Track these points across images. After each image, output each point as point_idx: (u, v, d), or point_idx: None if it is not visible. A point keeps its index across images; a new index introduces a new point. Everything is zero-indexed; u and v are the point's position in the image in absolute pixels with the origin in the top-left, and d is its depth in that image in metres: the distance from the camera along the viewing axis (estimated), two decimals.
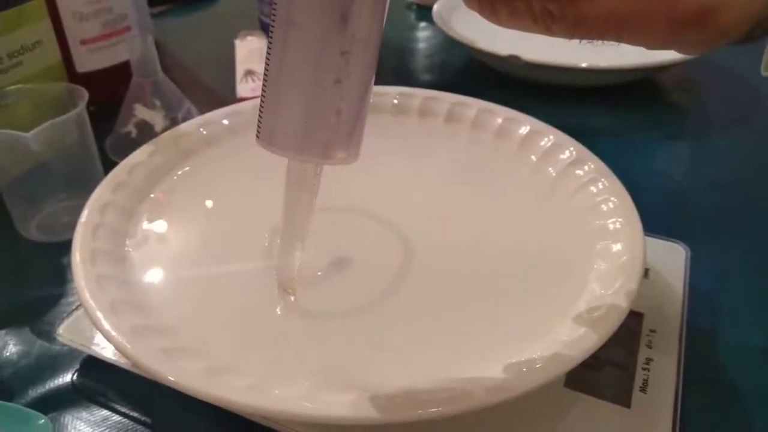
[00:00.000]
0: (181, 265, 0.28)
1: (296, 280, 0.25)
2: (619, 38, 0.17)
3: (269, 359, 0.23)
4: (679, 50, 0.17)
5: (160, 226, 0.30)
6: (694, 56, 0.17)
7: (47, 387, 0.27)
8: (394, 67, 0.59)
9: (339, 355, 0.24)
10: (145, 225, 0.30)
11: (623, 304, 0.23)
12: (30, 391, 0.27)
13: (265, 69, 0.20)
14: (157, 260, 0.28)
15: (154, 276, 0.27)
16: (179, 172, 0.33)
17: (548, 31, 0.18)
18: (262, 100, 0.20)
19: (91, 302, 0.23)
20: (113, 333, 0.22)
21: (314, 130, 0.19)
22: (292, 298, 0.26)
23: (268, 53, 0.19)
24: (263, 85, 0.20)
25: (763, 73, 0.23)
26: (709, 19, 0.16)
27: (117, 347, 0.22)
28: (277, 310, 0.26)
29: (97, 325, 0.23)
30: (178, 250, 0.29)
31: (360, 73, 0.19)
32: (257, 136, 0.20)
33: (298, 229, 0.23)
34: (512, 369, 0.22)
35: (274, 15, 0.19)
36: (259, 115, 0.20)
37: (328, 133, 0.20)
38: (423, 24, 0.66)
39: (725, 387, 0.27)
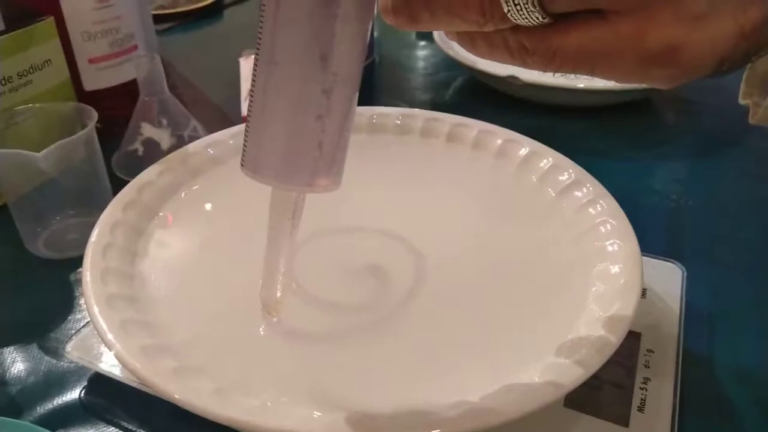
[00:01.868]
0: (190, 283, 0.29)
1: (281, 302, 0.26)
2: (591, 73, 0.18)
3: (278, 379, 0.24)
4: (649, 84, 0.18)
5: (169, 245, 0.31)
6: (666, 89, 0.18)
7: (55, 404, 0.28)
8: (395, 85, 0.60)
9: (344, 378, 0.25)
10: (155, 244, 0.30)
11: (622, 326, 0.24)
12: (38, 408, 0.27)
13: (249, 102, 0.20)
14: (167, 279, 0.29)
15: (163, 295, 0.28)
16: (187, 191, 0.34)
17: (524, 63, 0.18)
18: (246, 131, 0.21)
19: (101, 323, 0.24)
20: (124, 353, 0.23)
21: (296, 162, 0.20)
22: (275, 320, 0.26)
23: (252, 87, 0.20)
24: (247, 116, 0.21)
25: (741, 102, 0.24)
26: (675, 57, 0.16)
27: (128, 368, 0.22)
28: (289, 331, 0.26)
29: (109, 346, 0.23)
30: (187, 269, 0.30)
31: (341, 108, 0.20)
32: (242, 164, 0.21)
33: (281, 254, 0.24)
34: (511, 390, 0.22)
35: (257, 52, 0.20)
36: (244, 145, 0.21)
37: (309, 164, 0.20)
38: (423, 43, 0.67)
39: (722, 406, 0.27)
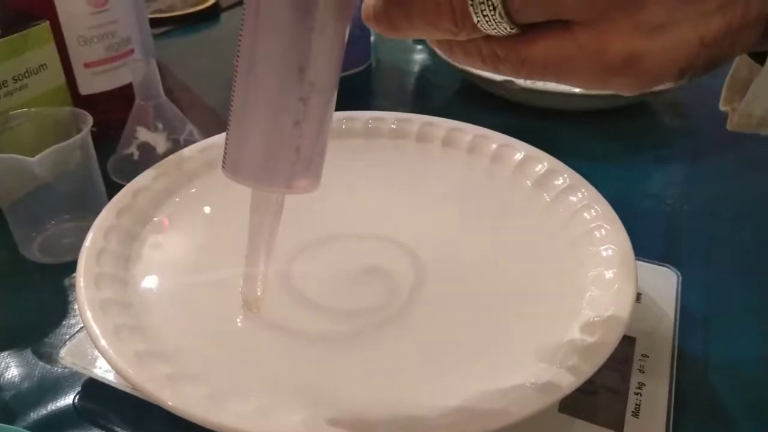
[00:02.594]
0: (185, 289, 0.29)
1: (261, 299, 0.27)
2: (558, 80, 0.18)
3: (272, 385, 0.24)
4: (614, 91, 0.18)
5: (163, 250, 0.31)
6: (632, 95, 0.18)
7: (49, 409, 0.27)
8: (391, 89, 0.60)
9: (339, 383, 0.25)
10: (149, 249, 0.30)
11: (616, 331, 0.24)
12: (32, 414, 0.27)
13: (230, 106, 0.21)
14: (161, 284, 0.29)
15: (157, 300, 0.28)
16: (182, 196, 0.34)
17: (496, 70, 0.19)
18: (227, 135, 0.21)
19: (94, 328, 0.24)
20: (117, 359, 0.22)
21: (275, 165, 0.21)
22: (255, 311, 0.27)
23: (232, 93, 0.21)
24: (228, 120, 0.21)
25: (721, 108, 0.24)
26: (635, 66, 0.17)
27: (120, 374, 0.22)
28: (284, 336, 0.26)
29: (101, 352, 0.23)
30: (182, 275, 0.30)
31: (318, 114, 0.21)
32: (222, 166, 0.22)
33: (261, 253, 0.25)
34: (505, 396, 0.22)
35: (237, 61, 0.20)
36: (225, 147, 0.22)
37: (287, 167, 0.21)
38: (419, 47, 0.67)
39: (717, 411, 0.27)
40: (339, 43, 0.20)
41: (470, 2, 0.17)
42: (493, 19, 0.17)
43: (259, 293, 0.26)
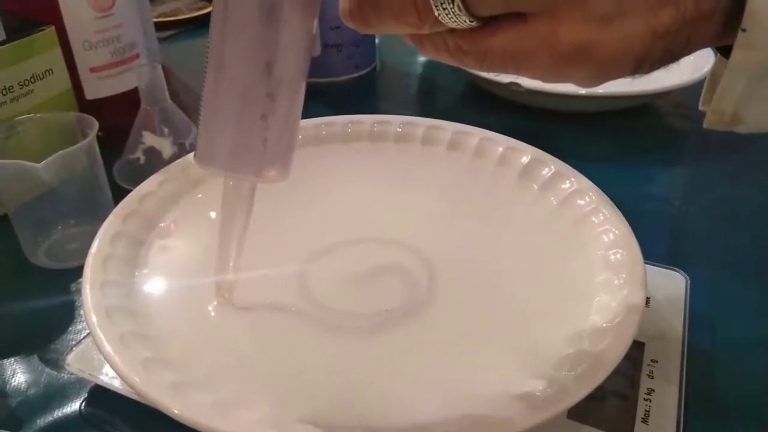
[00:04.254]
0: (191, 296, 0.29)
1: (233, 285, 0.27)
2: (517, 72, 0.19)
3: (279, 393, 0.24)
4: (574, 83, 0.19)
5: (169, 256, 0.31)
6: (591, 88, 0.19)
7: (55, 416, 0.27)
8: (396, 92, 0.60)
9: (344, 391, 0.24)
10: (155, 255, 0.30)
11: (626, 337, 0.24)
12: (38, 421, 0.27)
13: (201, 99, 0.22)
14: (167, 291, 0.29)
15: (163, 307, 0.28)
16: (189, 201, 0.34)
17: (461, 63, 0.20)
18: (198, 125, 0.22)
19: (100, 335, 0.24)
20: (123, 367, 0.22)
21: (243, 155, 0.22)
22: (226, 300, 0.28)
23: (203, 85, 0.22)
24: (199, 112, 0.22)
25: (700, 107, 0.24)
26: (586, 56, 0.17)
27: (126, 381, 0.22)
28: (287, 342, 0.26)
29: (108, 359, 0.23)
30: (188, 281, 0.30)
31: (286, 108, 0.22)
32: (194, 156, 0.23)
33: (232, 241, 0.26)
34: (513, 404, 0.22)
35: (207, 55, 0.21)
36: (197, 138, 0.23)
37: (256, 158, 0.22)
38: None
39: (727, 417, 0.27)
40: (306, 38, 0.21)
41: None
42: (452, 12, 0.18)
43: (230, 277, 0.27)
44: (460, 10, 0.18)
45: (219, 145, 0.22)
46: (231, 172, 0.23)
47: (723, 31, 0.17)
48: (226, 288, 0.27)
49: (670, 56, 0.18)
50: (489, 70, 0.19)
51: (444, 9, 0.18)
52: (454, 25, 0.18)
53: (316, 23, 0.22)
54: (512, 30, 0.18)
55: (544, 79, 0.19)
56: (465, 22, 0.18)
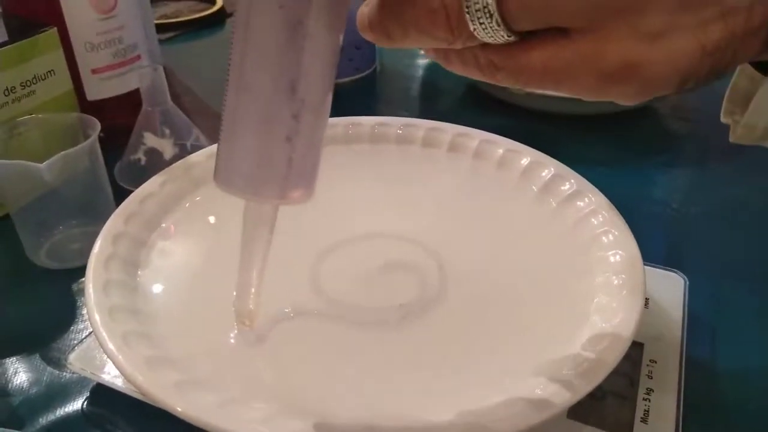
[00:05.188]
0: (193, 295, 0.29)
1: (255, 312, 0.26)
2: (557, 88, 0.18)
3: (282, 392, 0.24)
4: (615, 100, 0.18)
5: (171, 256, 0.31)
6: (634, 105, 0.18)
7: (57, 415, 0.28)
8: (396, 94, 0.60)
9: (347, 391, 0.25)
10: (157, 255, 0.30)
11: (625, 337, 0.24)
12: (40, 419, 0.27)
13: (222, 117, 0.21)
14: (169, 290, 0.29)
15: (165, 307, 0.28)
16: (190, 202, 0.34)
17: (493, 79, 0.19)
18: (218, 146, 0.21)
19: (104, 334, 0.24)
20: (126, 366, 0.23)
21: (267, 177, 0.21)
22: (247, 328, 0.26)
23: (223, 103, 0.20)
24: (220, 131, 0.21)
25: (723, 120, 0.23)
26: (633, 74, 0.17)
27: (129, 380, 0.22)
28: (293, 344, 0.26)
29: (111, 358, 0.23)
30: (190, 280, 0.30)
31: (311, 128, 0.20)
32: (214, 177, 0.21)
33: (254, 266, 0.24)
34: (513, 404, 0.22)
35: (228, 74, 0.20)
36: (216, 158, 0.21)
37: (280, 179, 0.21)
38: (424, 52, 0.67)
39: (724, 416, 0.27)
40: (331, 57, 0.20)
41: (466, 9, 0.17)
42: (490, 27, 0.17)
43: (251, 307, 0.26)
44: (499, 25, 0.17)
45: (241, 166, 0.21)
46: (254, 195, 0.21)
47: (764, 47, 0.17)
48: (248, 316, 0.26)
49: (715, 73, 0.17)
50: (524, 87, 0.18)
51: (481, 24, 0.17)
52: (489, 40, 0.18)
53: (341, 38, 0.20)
54: (553, 46, 0.17)
55: (584, 96, 0.18)
56: (503, 37, 0.17)
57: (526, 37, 0.17)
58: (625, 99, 0.18)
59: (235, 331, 0.27)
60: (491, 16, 0.17)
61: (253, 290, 0.25)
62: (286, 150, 0.20)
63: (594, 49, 0.17)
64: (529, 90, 0.48)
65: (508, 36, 0.17)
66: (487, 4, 0.17)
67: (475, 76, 0.19)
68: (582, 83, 0.17)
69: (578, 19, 0.16)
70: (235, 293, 0.25)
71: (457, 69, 0.19)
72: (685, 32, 0.16)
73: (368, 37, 0.19)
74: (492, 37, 0.17)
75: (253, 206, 0.23)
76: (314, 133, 0.21)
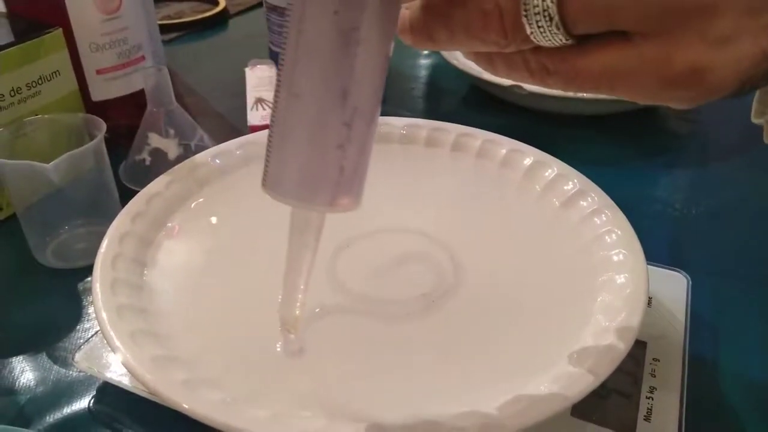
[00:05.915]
0: (200, 294, 0.29)
1: (299, 320, 0.26)
2: (612, 92, 0.18)
3: (289, 390, 0.24)
4: (670, 105, 0.18)
5: (178, 255, 0.31)
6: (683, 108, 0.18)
7: (64, 413, 0.28)
8: (399, 94, 0.60)
9: (355, 389, 0.25)
10: (163, 255, 0.31)
11: (628, 336, 0.24)
12: (47, 418, 0.28)
13: (270, 125, 0.20)
14: (176, 289, 0.29)
15: (172, 305, 0.28)
16: (196, 202, 0.34)
17: (543, 83, 0.18)
18: (268, 152, 0.21)
19: (111, 333, 0.24)
20: (134, 364, 0.23)
21: (318, 184, 0.20)
22: (293, 337, 0.26)
23: (273, 112, 0.20)
24: (269, 138, 0.21)
25: (754, 120, 0.24)
26: (699, 79, 0.16)
27: (138, 378, 0.23)
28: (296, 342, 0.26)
29: (119, 356, 0.23)
30: (196, 279, 0.30)
31: (362, 135, 0.20)
32: (263, 183, 0.21)
33: (301, 273, 0.24)
34: (519, 401, 0.22)
35: (279, 79, 0.20)
36: (266, 164, 0.21)
37: (331, 187, 0.20)
38: (427, 52, 0.67)
39: (727, 414, 0.27)
40: (383, 64, 0.20)
41: (524, 13, 0.17)
42: (549, 31, 0.17)
43: (297, 313, 0.25)
44: (558, 29, 0.16)
45: (291, 173, 0.20)
46: (304, 202, 0.21)
47: None
48: (292, 324, 0.26)
49: (767, 78, 0.17)
50: (577, 90, 0.18)
51: (539, 27, 0.16)
52: (546, 44, 0.17)
53: (392, 45, 0.20)
54: (614, 50, 0.17)
55: (640, 101, 0.18)
56: (561, 40, 0.17)
57: (583, 41, 0.17)
58: (681, 103, 0.17)
59: (241, 330, 0.27)
60: (551, 19, 0.16)
61: (299, 297, 0.25)
62: (337, 157, 0.20)
63: (660, 54, 0.16)
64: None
65: (566, 40, 0.17)
66: (548, 6, 0.16)
67: (523, 80, 0.19)
68: (642, 87, 0.17)
69: (644, 24, 0.16)
70: (280, 300, 0.25)
71: (502, 73, 0.19)
72: (748, 36, 0.16)
73: (407, 40, 0.18)
74: (549, 40, 0.17)
75: (299, 213, 0.23)
76: (365, 140, 0.20)
